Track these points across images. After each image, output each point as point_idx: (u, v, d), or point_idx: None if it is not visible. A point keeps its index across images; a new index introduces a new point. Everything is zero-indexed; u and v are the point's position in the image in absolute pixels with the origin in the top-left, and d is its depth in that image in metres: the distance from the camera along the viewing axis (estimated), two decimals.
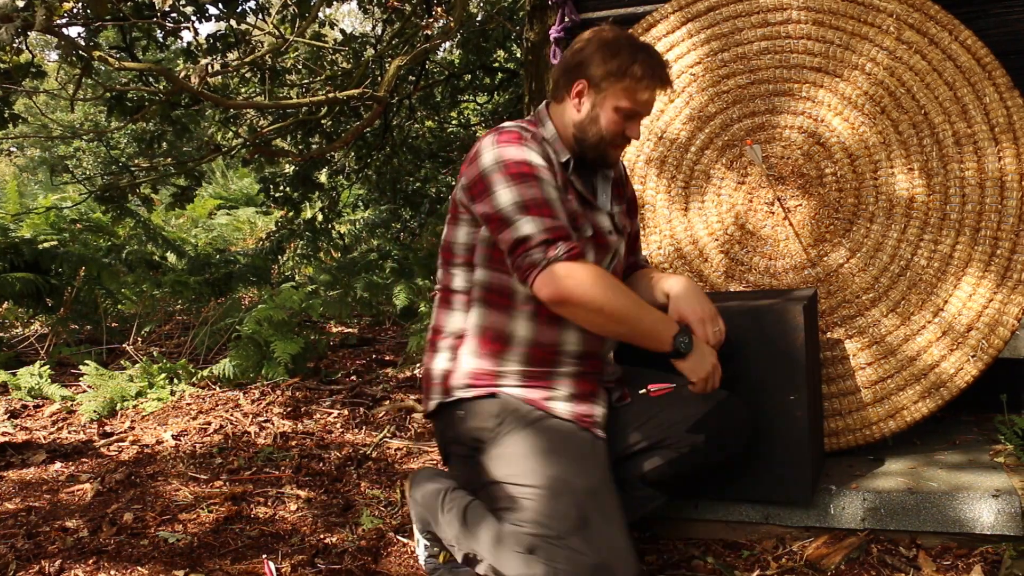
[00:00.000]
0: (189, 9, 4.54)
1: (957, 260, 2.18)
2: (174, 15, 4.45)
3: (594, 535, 1.54)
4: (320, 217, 7.16)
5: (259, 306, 4.06)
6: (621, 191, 1.95)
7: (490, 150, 1.69)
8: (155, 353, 4.09)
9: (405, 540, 2.09)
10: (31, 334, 4.85)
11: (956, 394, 2.14)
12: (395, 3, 5.11)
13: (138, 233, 6.46)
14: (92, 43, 4.33)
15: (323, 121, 6.02)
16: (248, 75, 5.69)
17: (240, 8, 4.76)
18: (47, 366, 3.72)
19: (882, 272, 2.24)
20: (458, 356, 1.77)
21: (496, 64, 7.21)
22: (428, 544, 1.83)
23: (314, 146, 6.19)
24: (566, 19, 2.86)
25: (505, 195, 1.64)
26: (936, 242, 2.21)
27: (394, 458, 2.76)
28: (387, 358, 4.41)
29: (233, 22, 4.64)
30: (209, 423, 3.10)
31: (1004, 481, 1.94)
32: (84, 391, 3.55)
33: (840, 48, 2.34)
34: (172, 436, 2.96)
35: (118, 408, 3.34)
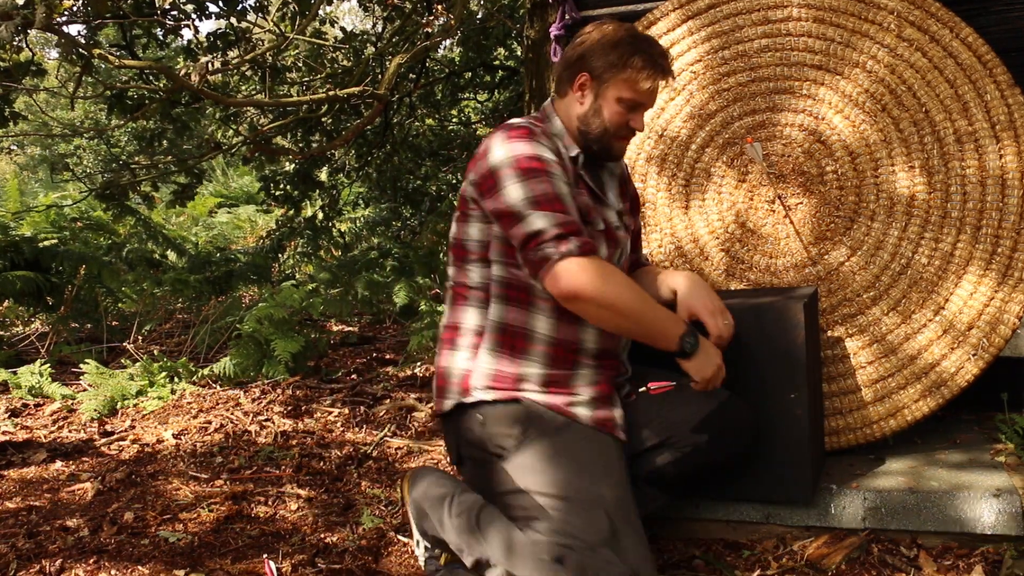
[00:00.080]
0: (189, 7, 4.54)
1: (958, 258, 2.18)
2: (174, 13, 4.44)
3: (623, 545, 1.54)
4: (320, 215, 7.16)
5: (259, 304, 4.06)
6: (624, 189, 1.95)
7: (500, 146, 1.68)
8: (155, 352, 4.10)
9: (406, 539, 2.08)
10: (32, 333, 4.85)
11: (957, 393, 2.13)
12: (395, 0, 5.10)
13: (138, 231, 6.47)
14: (92, 41, 4.33)
15: (323, 119, 6.03)
16: (248, 73, 5.70)
17: (240, 6, 4.76)
18: (48, 365, 3.72)
19: (883, 270, 2.23)
20: (478, 354, 1.74)
21: (496, 62, 7.20)
22: (428, 546, 1.83)
23: (314, 144, 6.19)
24: (566, 17, 2.85)
25: (516, 190, 1.63)
26: (937, 240, 2.20)
27: (395, 457, 2.76)
28: (388, 357, 4.41)
29: (233, 20, 4.64)
30: (209, 422, 3.10)
31: (1005, 480, 1.94)
32: (84, 390, 3.55)
33: (841, 46, 2.33)
34: (173, 435, 2.96)
35: (119, 407, 3.35)
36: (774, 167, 2.36)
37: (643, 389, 1.82)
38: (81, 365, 3.70)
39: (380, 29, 6.17)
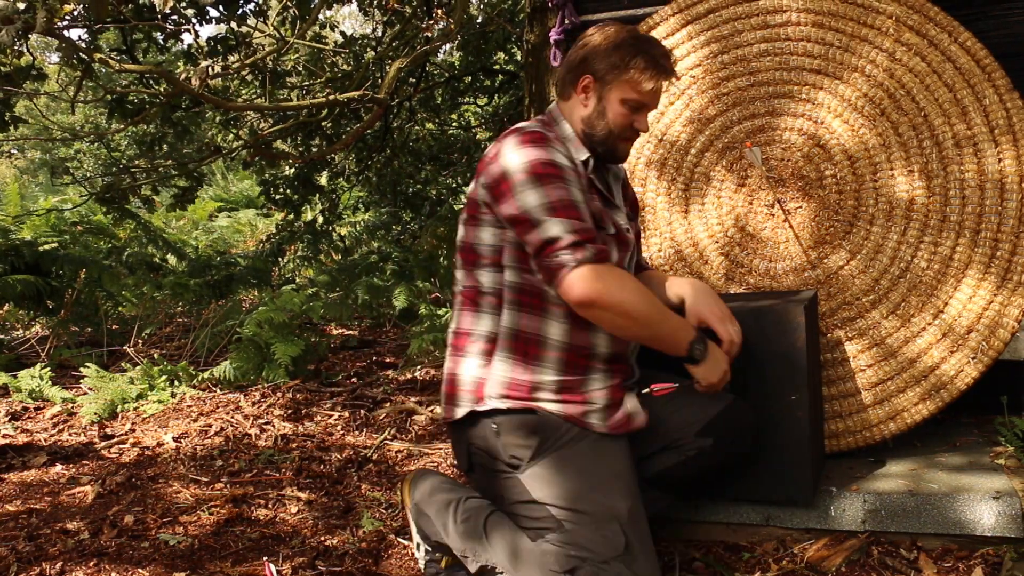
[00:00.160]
0: (190, 11, 4.55)
1: (957, 262, 2.18)
2: (175, 17, 4.45)
3: (635, 558, 1.56)
4: (320, 219, 7.16)
5: (259, 308, 4.06)
6: (624, 192, 1.96)
7: (514, 150, 1.67)
8: (156, 355, 4.10)
9: (406, 542, 2.09)
10: (32, 336, 4.85)
11: (956, 396, 2.14)
12: (395, 5, 5.12)
13: (139, 235, 6.47)
14: (93, 45, 4.34)
15: (323, 123, 6.03)
16: (248, 77, 5.70)
17: (240, 10, 4.77)
18: (48, 368, 3.72)
19: (882, 274, 2.24)
20: (491, 362, 1.73)
21: (496, 66, 7.21)
22: (429, 549, 1.83)
23: (314, 148, 6.20)
24: (566, 21, 2.86)
25: (532, 196, 1.62)
26: (936, 244, 2.21)
27: (395, 460, 2.76)
28: (388, 360, 4.41)
29: (234, 25, 4.65)
30: (210, 425, 3.10)
31: (1004, 483, 1.94)
32: (85, 393, 3.55)
33: (840, 50, 2.34)
34: (173, 438, 2.96)
35: (119, 410, 3.35)
36: (773, 171, 2.37)
37: (646, 391, 1.82)
38: (81, 369, 3.70)
39: (380, 33, 6.18)
